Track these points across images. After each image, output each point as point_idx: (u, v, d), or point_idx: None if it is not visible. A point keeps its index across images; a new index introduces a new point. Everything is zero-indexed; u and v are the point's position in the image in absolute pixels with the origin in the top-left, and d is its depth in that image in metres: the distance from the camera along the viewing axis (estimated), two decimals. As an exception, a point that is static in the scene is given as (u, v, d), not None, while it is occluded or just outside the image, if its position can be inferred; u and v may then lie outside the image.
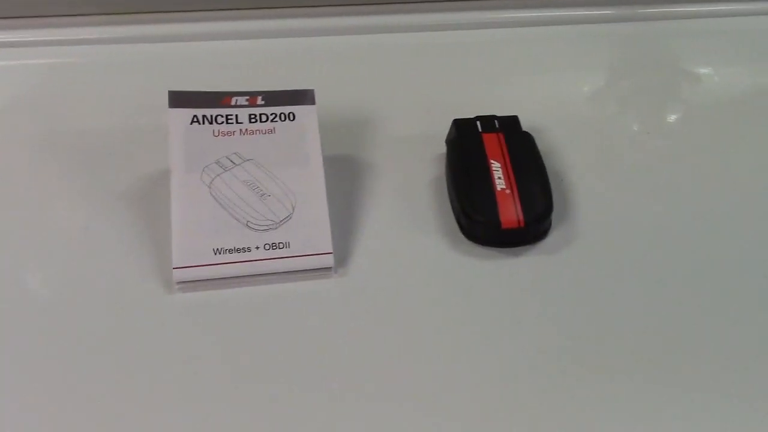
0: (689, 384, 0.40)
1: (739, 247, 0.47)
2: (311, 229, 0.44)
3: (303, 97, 0.48)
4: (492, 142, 0.48)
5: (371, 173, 0.50)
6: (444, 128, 0.51)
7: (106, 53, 0.57)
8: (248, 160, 0.46)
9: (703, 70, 0.60)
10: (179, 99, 0.47)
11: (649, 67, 0.59)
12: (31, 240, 0.46)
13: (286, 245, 0.44)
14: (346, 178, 0.49)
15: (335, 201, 0.46)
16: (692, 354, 0.42)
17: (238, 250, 0.43)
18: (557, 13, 0.61)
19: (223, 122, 0.47)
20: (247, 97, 0.47)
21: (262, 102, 0.48)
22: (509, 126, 0.50)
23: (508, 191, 0.46)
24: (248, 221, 0.44)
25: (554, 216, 0.46)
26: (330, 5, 0.58)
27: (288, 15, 0.58)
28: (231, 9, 0.58)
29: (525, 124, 0.50)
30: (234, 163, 0.46)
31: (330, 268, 0.44)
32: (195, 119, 0.46)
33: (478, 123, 0.49)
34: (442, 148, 0.50)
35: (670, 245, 0.47)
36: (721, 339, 0.42)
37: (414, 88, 0.56)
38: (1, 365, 0.40)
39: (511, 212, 0.45)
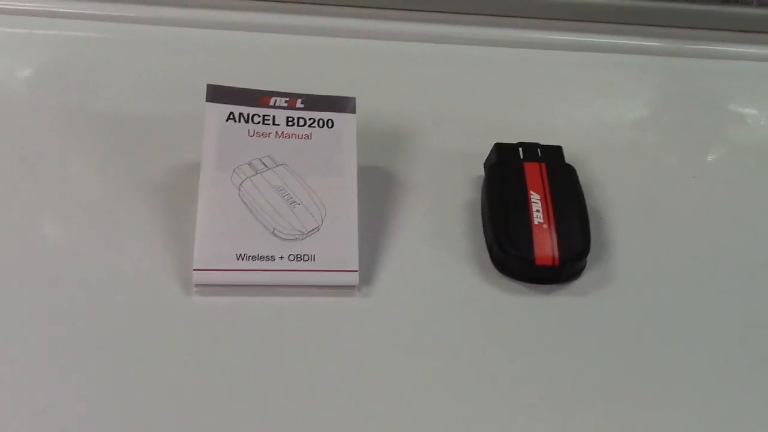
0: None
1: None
2: (339, 245, 0.43)
3: (344, 104, 0.46)
4: (533, 171, 0.46)
5: (404, 189, 0.48)
6: (484, 149, 0.49)
7: (148, 33, 0.55)
8: (281, 164, 0.44)
9: (751, 113, 0.58)
10: (217, 93, 0.45)
11: (697, 106, 0.57)
12: (54, 216, 0.45)
13: (311, 258, 0.42)
14: (377, 192, 0.48)
15: (364, 214, 0.44)
16: (731, 409, 0.40)
17: (261, 258, 0.42)
18: (612, 41, 0.59)
19: (259, 122, 0.45)
20: (287, 99, 0.46)
21: (302, 105, 0.46)
22: (552, 156, 0.48)
23: (545, 226, 0.44)
24: (275, 228, 0.43)
25: (590, 256, 0.45)
26: (380, 8, 0.57)
27: (337, 14, 0.56)
28: (279, 1, 0.56)
29: (566, 153, 0.48)
30: (266, 166, 0.44)
31: (354, 286, 0.43)
32: (231, 116, 0.45)
33: (521, 150, 0.48)
34: (480, 170, 0.49)
35: (710, 295, 0.45)
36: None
37: (456, 103, 0.54)
38: (5, 347, 0.39)
39: (546, 249, 0.43)
